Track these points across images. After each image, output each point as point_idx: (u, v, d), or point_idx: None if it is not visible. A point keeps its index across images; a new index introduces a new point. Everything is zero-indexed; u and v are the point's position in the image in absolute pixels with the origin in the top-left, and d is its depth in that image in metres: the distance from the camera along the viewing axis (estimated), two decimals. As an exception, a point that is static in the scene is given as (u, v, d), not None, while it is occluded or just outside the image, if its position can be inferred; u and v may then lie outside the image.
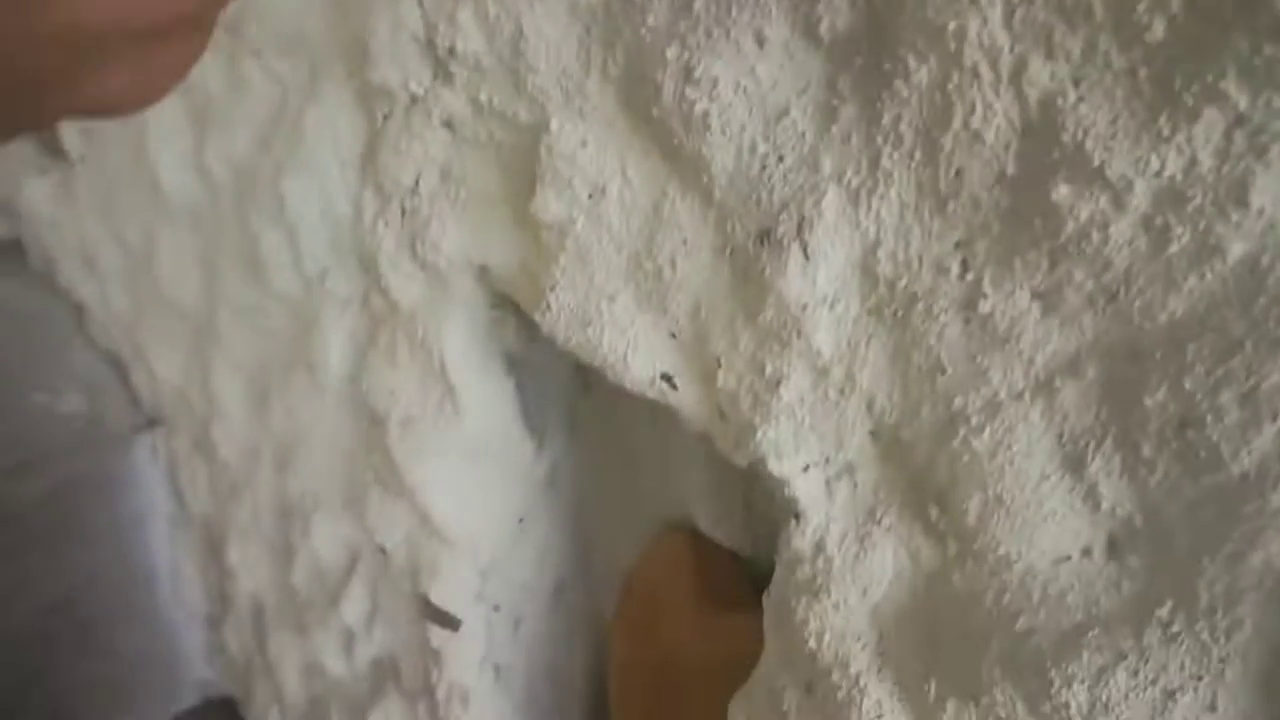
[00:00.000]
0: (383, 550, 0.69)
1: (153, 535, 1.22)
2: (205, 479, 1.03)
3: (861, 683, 0.38)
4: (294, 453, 0.78)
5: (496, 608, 0.65)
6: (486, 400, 0.56)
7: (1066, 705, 0.30)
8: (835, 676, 0.39)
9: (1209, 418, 0.26)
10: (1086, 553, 0.30)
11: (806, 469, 0.37)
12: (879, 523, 0.36)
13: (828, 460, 0.37)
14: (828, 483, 0.37)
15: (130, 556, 1.22)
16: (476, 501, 0.60)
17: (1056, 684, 0.30)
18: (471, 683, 0.68)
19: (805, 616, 0.39)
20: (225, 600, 1.17)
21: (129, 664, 1.31)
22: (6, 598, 1.12)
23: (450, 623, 0.65)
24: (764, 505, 0.55)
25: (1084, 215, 0.27)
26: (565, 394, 0.61)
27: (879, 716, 0.38)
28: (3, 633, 1.15)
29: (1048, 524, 0.30)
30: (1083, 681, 0.30)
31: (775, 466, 0.37)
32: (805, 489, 0.37)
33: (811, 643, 0.39)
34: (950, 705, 0.35)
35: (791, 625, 0.41)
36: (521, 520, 0.62)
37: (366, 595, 0.78)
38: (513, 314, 0.56)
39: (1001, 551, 0.32)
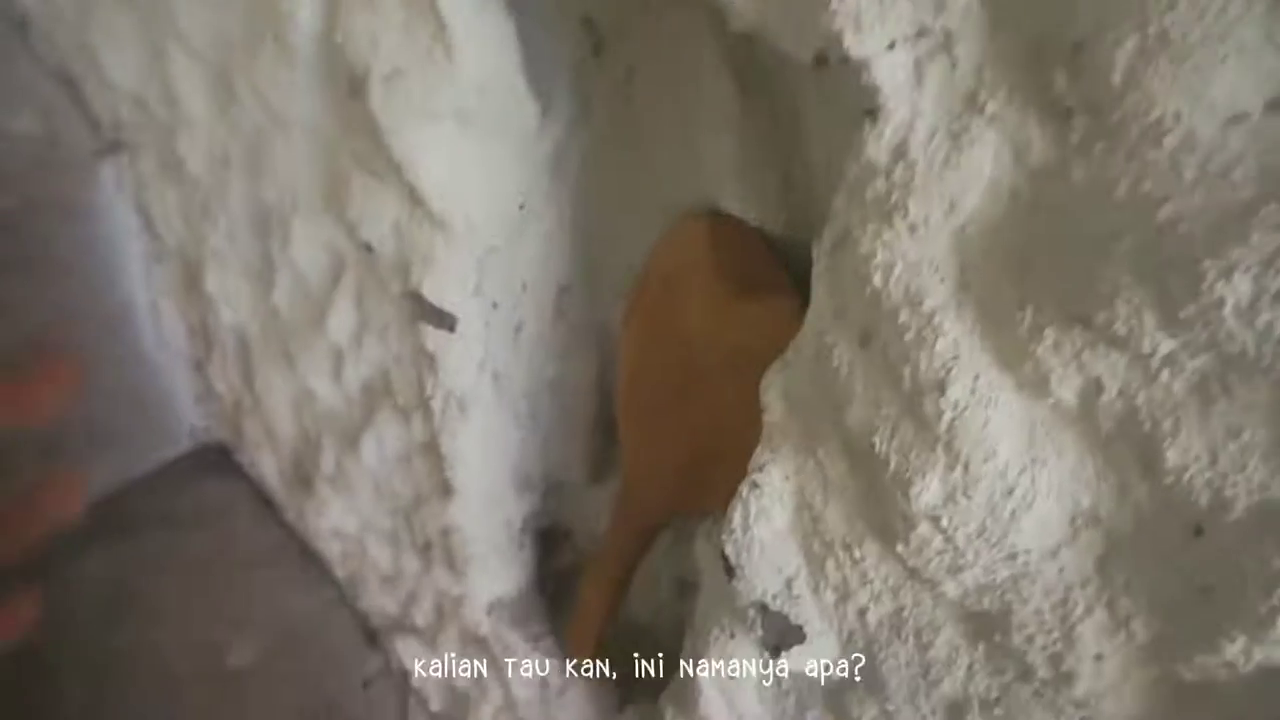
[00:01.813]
0: (369, 248, 0.62)
1: (128, 271, 1.15)
2: (175, 202, 0.95)
3: (936, 321, 0.32)
4: (266, 151, 0.70)
5: (495, 305, 0.59)
6: (483, 41, 0.47)
7: (1220, 302, 0.24)
8: (903, 318, 0.33)
9: None
10: (1274, 105, 0.23)
11: (892, 46, 0.29)
12: (980, 110, 0.29)
13: (921, 32, 0.29)
14: (918, 64, 0.29)
15: (106, 292, 1.16)
16: (473, 177, 0.52)
17: (1210, 277, 0.24)
18: (469, 389, 0.64)
19: (871, 249, 0.33)
20: (208, 337, 1.12)
21: (114, 404, 1.29)
22: (-20, 327, 1.07)
23: (446, 321, 0.59)
24: (805, 179, 0.48)
25: None
26: (573, 53, 0.53)
27: (954, 358, 0.32)
28: (-19, 364, 1.10)
29: (1227, 67, 0.23)
30: (1247, 270, 0.24)
31: (852, 44, 0.29)
32: (887, 74, 0.30)
33: (876, 280, 0.33)
34: (1049, 334, 0.29)
35: (851, 265, 0.34)
36: (523, 206, 0.55)
37: (353, 307, 0.72)
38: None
39: (1153, 116, 0.25)
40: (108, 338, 1.23)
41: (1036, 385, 0.31)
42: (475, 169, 0.52)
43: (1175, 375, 0.28)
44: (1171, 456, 0.29)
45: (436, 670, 1.11)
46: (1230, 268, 0.24)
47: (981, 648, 0.41)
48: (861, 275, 0.34)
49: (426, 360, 0.64)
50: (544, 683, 0.85)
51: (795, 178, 0.48)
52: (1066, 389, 0.30)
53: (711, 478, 0.57)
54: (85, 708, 1.19)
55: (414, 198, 0.55)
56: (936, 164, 0.29)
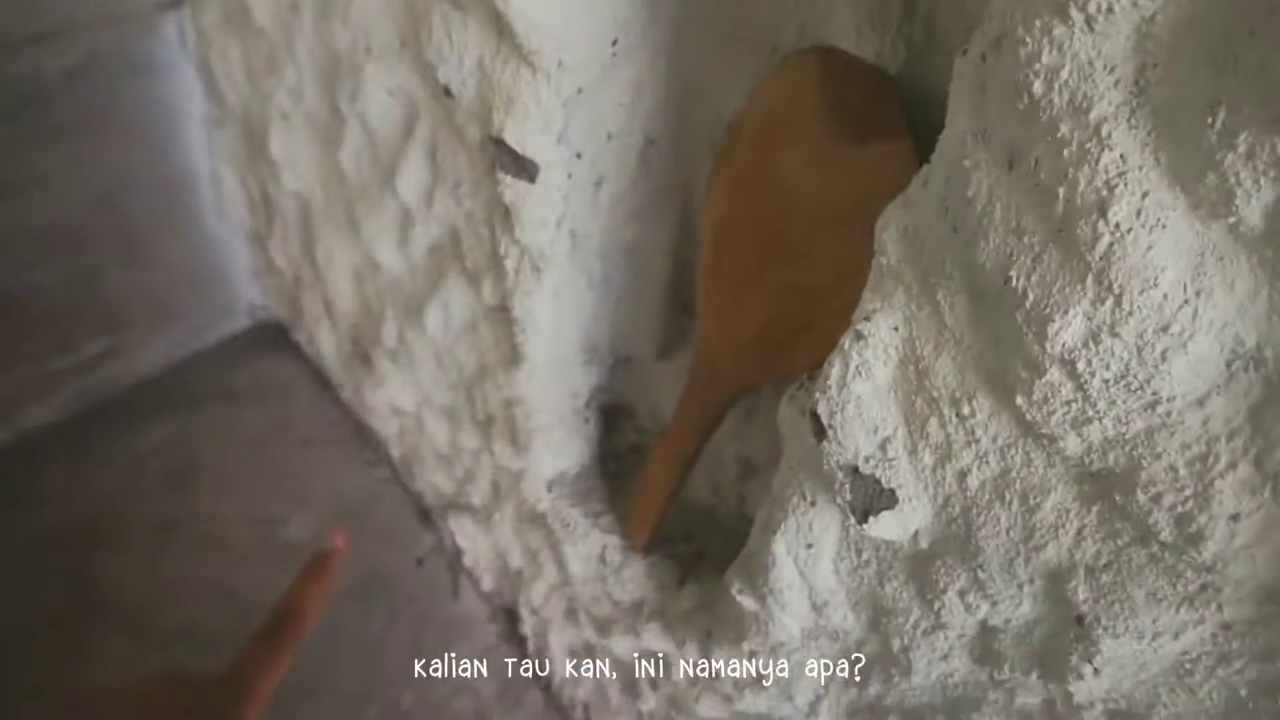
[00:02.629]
0: (447, 92, 0.59)
1: (190, 136, 1.14)
2: (239, 57, 0.92)
3: (1104, 132, 0.29)
4: (340, -8, 0.67)
5: (579, 155, 0.57)
6: None
7: None
8: (1064, 130, 0.30)
9: None
10: None
11: None
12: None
13: None
14: None
15: (168, 157, 1.15)
16: (568, 8, 0.49)
17: None
18: (545, 247, 0.61)
19: (1036, 49, 0.29)
20: (269, 208, 1.11)
21: (174, 276, 1.29)
22: (51, 186, 1.06)
23: (527, 169, 0.57)
24: (926, 3, 0.44)
25: None
26: None
27: (1120, 174, 0.29)
28: (54, 224, 1.10)
29: None
30: None
31: None
32: None
33: (1036, 88, 0.30)
34: (1244, 139, 0.26)
35: (1005, 73, 0.31)
36: (615, 43, 0.52)
37: (425, 161, 0.70)
38: None
39: None
40: (168, 207, 1.23)
41: (1217, 203, 0.28)
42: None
43: (1393, 183, 0.24)
44: (1370, 282, 0.26)
45: (489, 550, 1.12)
46: None
47: (1095, 510, 0.38)
48: (1018, 84, 0.30)
49: (502, 215, 0.62)
50: (602, 559, 0.85)
51: (918, 3, 0.44)
52: (1254, 206, 0.27)
53: (797, 346, 0.55)
54: (148, 572, 1.23)
55: (501, 30, 0.52)
56: (1130, -61, 0.26)
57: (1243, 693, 0.38)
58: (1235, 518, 0.33)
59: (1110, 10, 0.27)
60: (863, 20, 0.45)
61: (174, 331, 1.37)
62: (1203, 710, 0.41)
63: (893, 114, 0.45)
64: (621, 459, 0.88)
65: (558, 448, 0.82)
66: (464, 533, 1.14)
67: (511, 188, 0.59)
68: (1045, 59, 0.29)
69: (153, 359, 1.38)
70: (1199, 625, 0.38)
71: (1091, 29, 0.28)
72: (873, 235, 0.48)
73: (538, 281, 0.64)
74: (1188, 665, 0.40)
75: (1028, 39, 0.29)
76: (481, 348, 0.80)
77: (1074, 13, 0.28)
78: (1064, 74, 0.29)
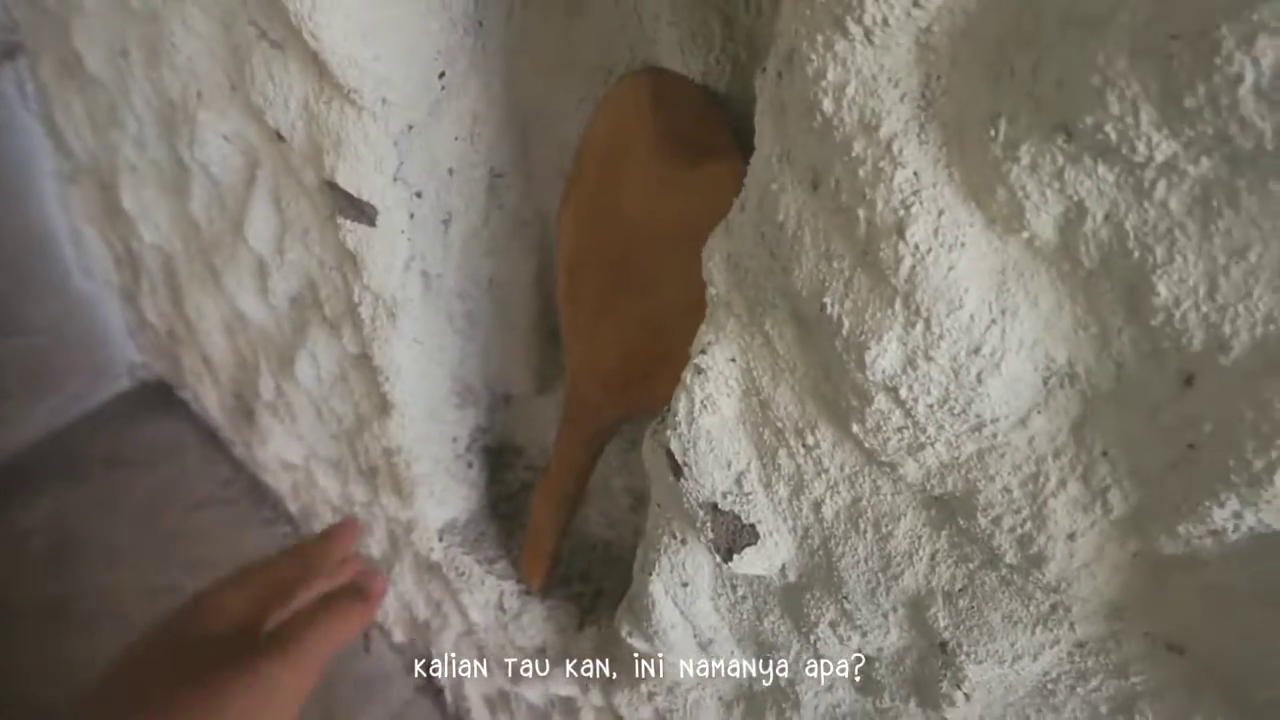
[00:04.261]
0: (279, 136, 0.56)
1: (44, 193, 1.08)
2: (82, 110, 0.87)
3: (895, 149, 0.28)
4: (164, 36, 0.63)
5: (419, 194, 0.54)
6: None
7: (1236, 79, 0.20)
8: (857, 149, 0.28)
9: None
10: None
11: None
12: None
13: None
14: None
15: (23, 216, 1.08)
16: (384, 40, 0.46)
17: (1226, 47, 0.20)
18: (397, 291, 0.59)
19: (821, 66, 0.28)
20: (134, 263, 1.06)
21: (45, 341, 1.22)
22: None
23: (365, 213, 0.54)
24: (749, 20, 0.42)
25: None
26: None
27: (915, 193, 0.28)
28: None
29: None
30: (1275, 33, 0.19)
31: None
32: None
33: (826, 105, 0.28)
34: (1026, 150, 0.25)
35: (798, 91, 0.30)
36: (443, 75, 0.49)
37: (272, 209, 0.66)
38: None
39: None
40: (32, 269, 1.16)
41: (1009, 218, 0.26)
42: (386, 30, 0.46)
43: (1172, 188, 0.23)
44: (1163, 290, 0.25)
45: (395, 602, 1.08)
46: (1252, 33, 0.19)
47: (944, 535, 0.37)
48: (810, 102, 0.29)
49: (350, 261, 0.59)
50: (500, 606, 0.81)
51: (739, 20, 0.43)
52: (1044, 219, 0.26)
53: (661, 373, 0.53)
54: (38, 655, 1.15)
55: (320, 69, 0.49)
56: (892, -51, 0.25)
57: (1103, 709, 0.37)
58: (1072, 536, 0.32)
59: (885, 22, 0.26)
60: (686, 39, 0.44)
61: (51, 399, 1.30)
62: (1070, 730, 0.39)
63: (721, 134, 0.44)
64: (514, 499, 0.85)
65: (442, 496, 0.79)
66: (367, 586, 1.10)
67: (352, 232, 0.56)
68: (831, 75, 0.28)
69: (30, 429, 1.30)
70: (1055, 645, 0.36)
71: (871, 42, 0.27)
72: (715, 261, 0.46)
73: (394, 328, 0.61)
74: (1050, 685, 0.38)
75: (813, 55, 0.28)
76: (355, 398, 0.77)
77: (851, 26, 0.27)
78: (850, 90, 0.28)
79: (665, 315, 0.50)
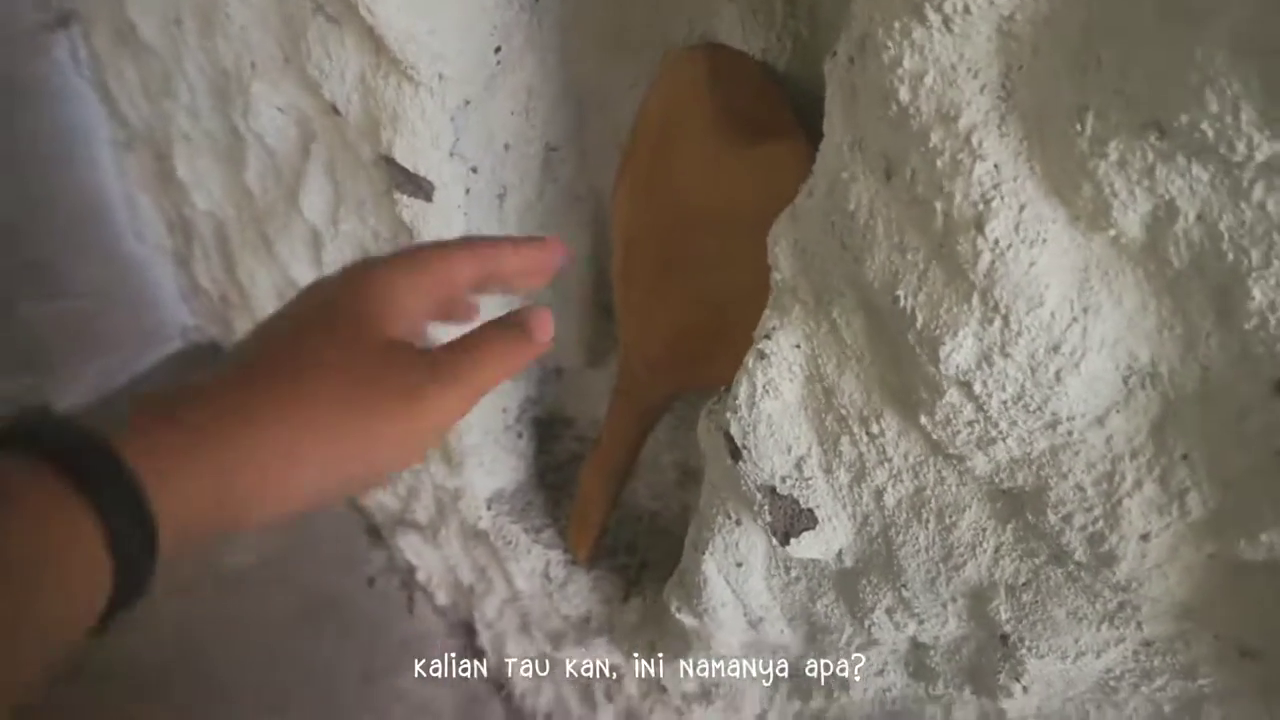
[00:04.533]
0: (335, 109, 0.56)
1: (98, 161, 1.09)
2: (136, 78, 0.88)
3: (974, 141, 0.27)
4: (218, 6, 0.63)
5: (475, 169, 0.54)
6: None
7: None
8: (935, 140, 0.27)
9: None
10: None
11: None
12: None
13: None
14: None
15: (78, 182, 1.10)
16: (440, 15, 0.46)
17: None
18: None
19: (897, 54, 0.27)
20: (187, 229, 1.07)
21: (98, 303, 1.24)
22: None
23: (422, 188, 0.54)
24: None
25: None
26: None
27: (995, 186, 0.27)
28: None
29: None
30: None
31: None
32: None
33: (903, 94, 0.28)
34: (1115, 146, 0.24)
35: (872, 79, 0.29)
36: (499, 50, 0.49)
37: (326, 181, 0.67)
38: None
39: None
40: (85, 233, 1.18)
41: (1094, 215, 0.26)
42: (442, 5, 0.46)
43: (1272, 190, 0.22)
44: (1258, 294, 0.24)
45: (440, 565, 1.09)
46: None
47: (1010, 529, 0.37)
48: (885, 90, 0.28)
49: (406, 234, 0.59)
50: (547, 575, 0.82)
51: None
52: (1131, 217, 0.25)
53: (714, 353, 0.52)
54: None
55: (376, 44, 0.49)
56: (983, -66, 0.24)
57: (1167, 709, 0.37)
58: (1145, 537, 0.31)
59: (967, 10, 0.25)
60: (746, 14, 0.43)
61: (105, 360, 1.33)
62: (1132, 725, 0.39)
63: (782, 113, 0.43)
64: (562, 469, 0.86)
65: (492, 465, 0.79)
66: (413, 550, 1.12)
67: (409, 207, 0.56)
68: (908, 63, 0.27)
69: (81, 390, 1.33)
70: (1120, 643, 0.36)
71: (950, 30, 0.26)
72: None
73: (447, 301, 0.61)
74: (1112, 682, 0.38)
75: (889, 42, 0.27)
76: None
77: (930, 13, 0.26)
78: (928, 79, 0.27)
79: (719, 295, 0.50)
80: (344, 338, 0.30)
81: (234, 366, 0.28)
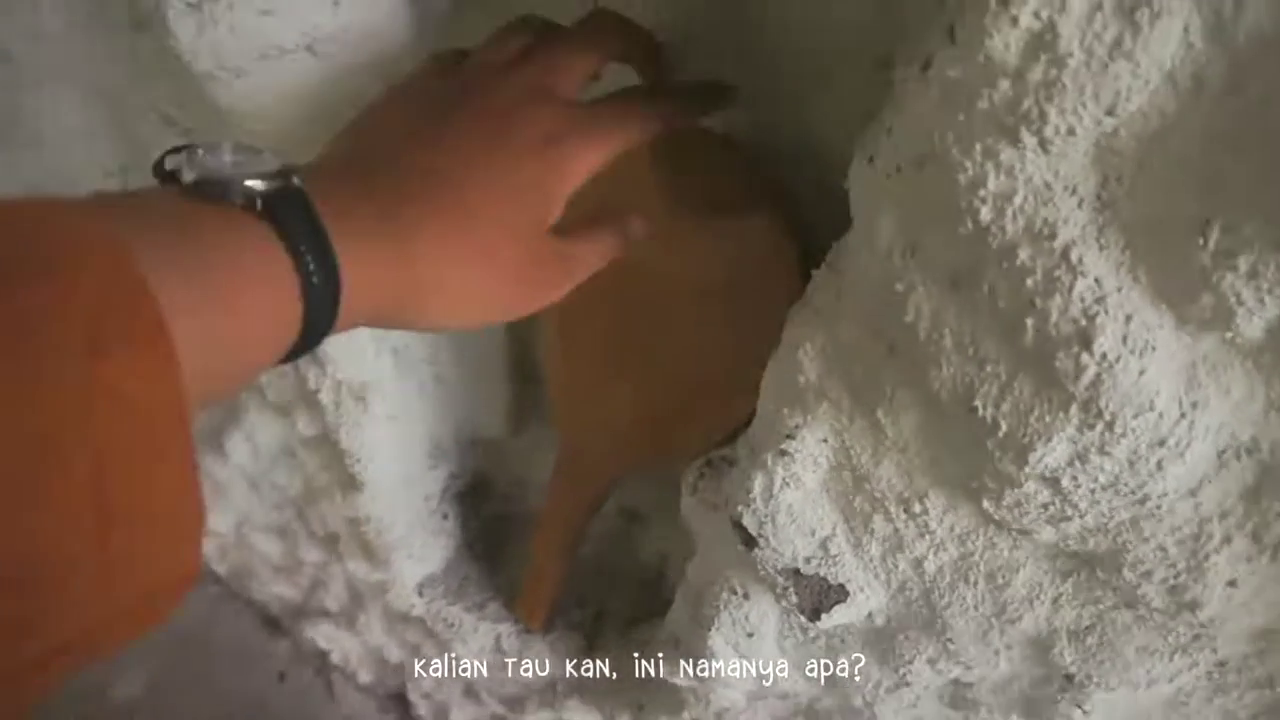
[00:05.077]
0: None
1: None
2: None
3: (1073, 258, 0.25)
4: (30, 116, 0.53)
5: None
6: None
7: None
8: (1023, 258, 0.25)
9: None
10: None
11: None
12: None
13: None
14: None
15: None
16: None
17: None
18: (367, 376, 0.52)
19: (979, 175, 0.25)
20: None
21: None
22: None
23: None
24: (768, 47, 0.38)
25: None
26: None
27: (1098, 300, 0.25)
28: None
29: None
30: None
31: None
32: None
33: (984, 213, 0.25)
34: (1245, 259, 0.23)
35: (937, 194, 0.26)
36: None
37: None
38: None
39: None
40: None
41: (1212, 320, 0.24)
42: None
43: None
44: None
45: (359, 648, 1.02)
46: None
47: (1070, 582, 0.36)
48: (959, 209, 0.26)
49: (311, 358, 0.52)
50: (498, 647, 0.78)
51: (755, 47, 0.38)
52: (1255, 322, 0.24)
53: (673, 431, 0.50)
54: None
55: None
56: (1099, 54, 0.21)
57: (1242, 716, 0.38)
58: (1232, 583, 0.31)
59: (1071, 132, 0.23)
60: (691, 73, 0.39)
61: None
62: (1200, 732, 0.40)
63: (738, 181, 0.40)
64: (490, 536, 0.81)
65: (420, 552, 0.74)
66: (324, 637, 1.03)
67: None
68: (992, 185, 0.25)
69: None
70: (1193, 668, 0.36)
71: (1047, 151, 0.24)
72: (746, 312, 0.43)
73: (365, 411, 0.55)
74: (1183, 699, 0.39)
75: (967, 164, 0.25)
76: (306, 472, 0.70)
77: (1026, 137, 0.23)
78: (1017, 200, 0.25)
79: (687, 368, 0.47)
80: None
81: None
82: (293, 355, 0.26)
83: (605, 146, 0.33)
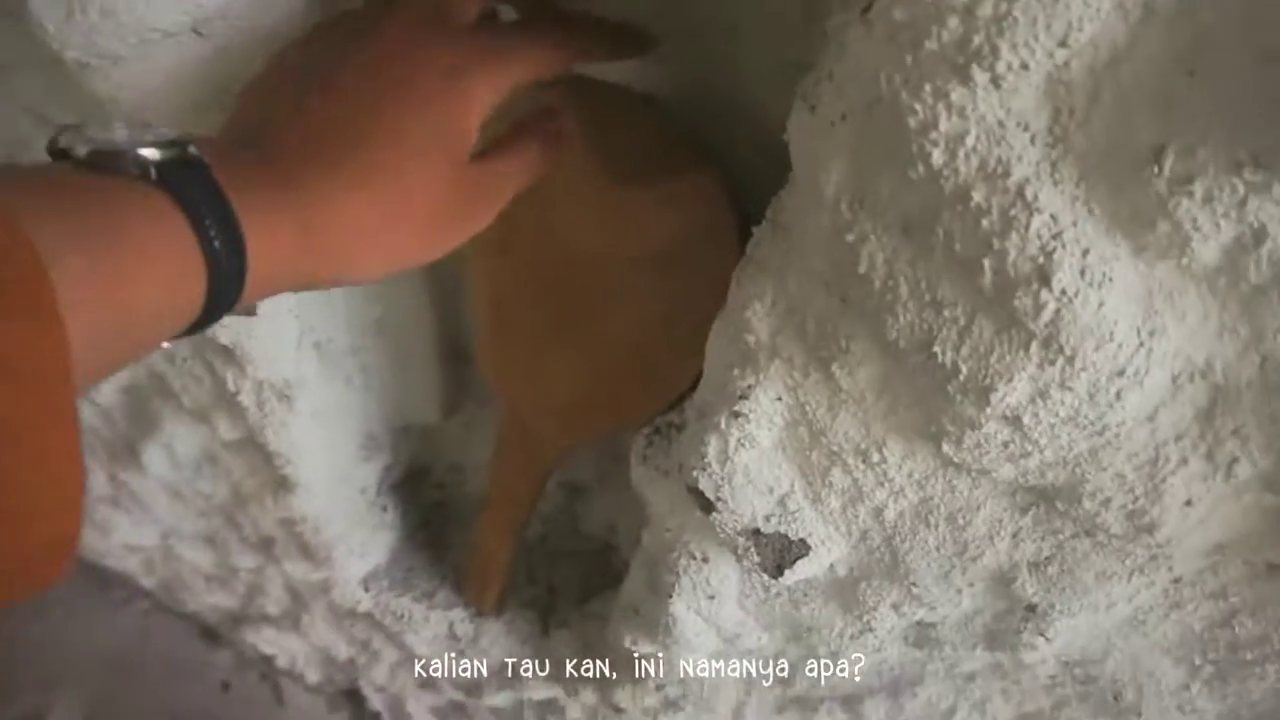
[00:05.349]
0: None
1: None
2: None
3: (1028, 195, 0.24)
4: None
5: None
6: None
7: None
8: (977, 199, 0.25)
9: None
10: None
11: None
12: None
13: None
14: None
15: None
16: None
17: None
18: (290, 374, 0.50)
19: (929, 117, 0.24)
20: None
21: None
22: None
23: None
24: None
25: None
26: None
27: (1055, 236, 0.25)
28: None
29: None
30: None
31: None
32: None
33: (936, 158, 0.24)
34: (1200, 184, 0.22)
35: (886, 140, 0.25)
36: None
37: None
38: None
39: None
40: None
41: (1168, 247, 0.24)
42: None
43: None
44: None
45: (305, 649, 0.99)
46: None
47: (1029, 515, 0.37)
48: (909, 154, 0.25)
49: (221, 353, 0.49)
50: (452, 634, 0.76)
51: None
52: (1211, 246, 0.24)
53: (620, 398, 0.49)
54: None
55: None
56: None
57: (1197, 628, 0.39)
58: (1189, 503, 0.32)
59: (1025, 67, 0.22)
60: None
61: None
62: (1156, 646, 0.42)
63: (663, 135, 0.38)
64: (430, 524, 0.79)
65: (362, 549, 0.71)
66: (267, 641, 1.00)
67: (227, 327, 0.46)
68: (944, 126, 0.24)
69: None
70: (1150, 587, 0.37)
71: (999, 88, 0.23)
72: (685, 272, 0.42)
73: (290, 410, 0.53)
74: (1141, 617, 0.40)
75: (917, 106, 0.24)
76: (233, 478, 0.67)
77: (977, 74, 0.23)
78: (970, 140, 0.24)
79: (632, 334, 0.46)
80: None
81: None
82: (199, 325, 0.26)
83: (512, 74, 0.31)
